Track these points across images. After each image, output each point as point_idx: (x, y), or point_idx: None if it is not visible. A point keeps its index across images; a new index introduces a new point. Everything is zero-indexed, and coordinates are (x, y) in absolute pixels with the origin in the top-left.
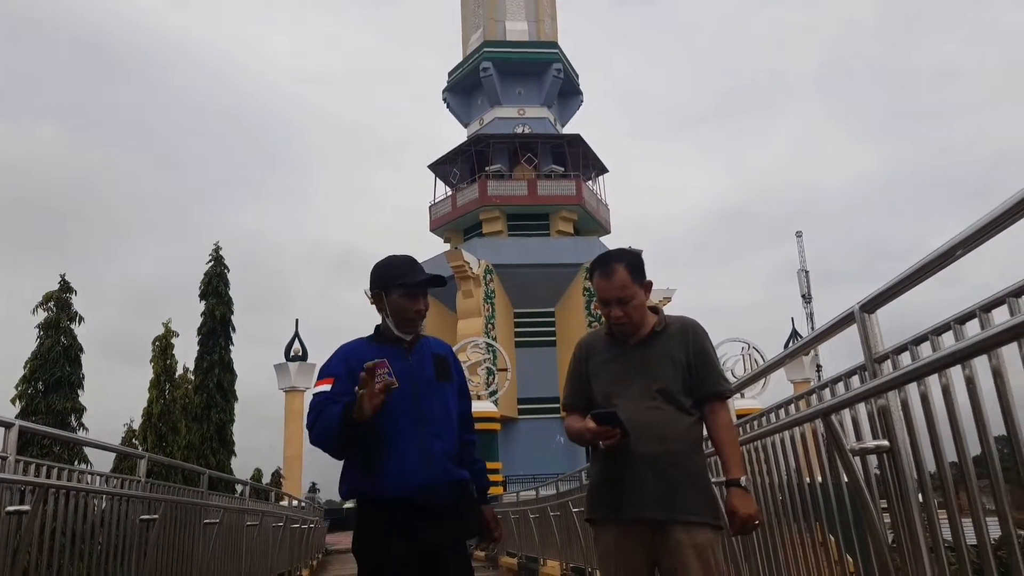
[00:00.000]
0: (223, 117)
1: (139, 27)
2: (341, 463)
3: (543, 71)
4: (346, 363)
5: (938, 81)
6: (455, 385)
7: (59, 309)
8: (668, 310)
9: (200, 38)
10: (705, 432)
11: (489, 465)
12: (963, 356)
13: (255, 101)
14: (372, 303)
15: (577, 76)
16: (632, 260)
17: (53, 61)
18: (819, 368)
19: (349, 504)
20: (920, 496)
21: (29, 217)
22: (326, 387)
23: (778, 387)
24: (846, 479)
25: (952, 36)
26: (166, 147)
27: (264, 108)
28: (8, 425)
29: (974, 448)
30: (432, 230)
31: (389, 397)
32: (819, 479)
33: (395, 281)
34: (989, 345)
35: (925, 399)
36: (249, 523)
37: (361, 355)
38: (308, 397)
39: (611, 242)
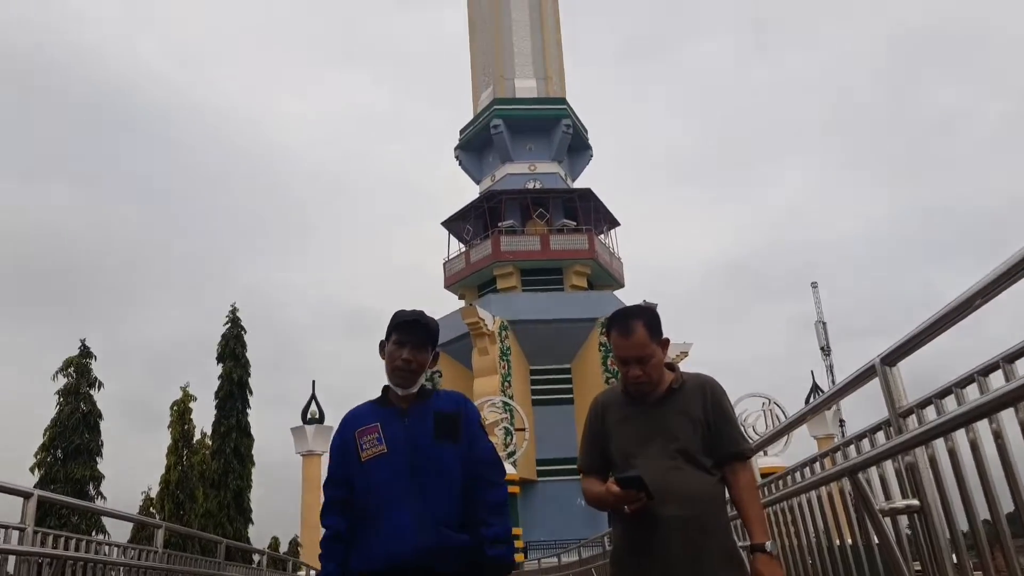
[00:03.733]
0: (235, 176)
1: (153, 88)
2: None
3: (553, 127)
4: (342, 435)
5: (945, 129)
6: (463, 444)
7: (79, 375)
8: (684, 365)
9: (212, 98)
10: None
11: None
12: (990, 409)
13: (268, 159)
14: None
15: (586, 131)
16: (650, 318)
17: (67, 123)
18: (842, 423)
19: None
20: (955, 557)
21: (46, 280)
22: (325, 472)
23: (801, 443)
24: (876, 540)
25: (959, 83)
26: (178, 207)
27: (277, 166)
28: (27, 495)
29: (1007, 504)
30: (447, 287)
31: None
32: (848, 541)
33: (393, 329)
34: (1016, 397)
35: (953, 454)
36: None
37: (359, 422)
38: (325, 461)
39: (625, 295)
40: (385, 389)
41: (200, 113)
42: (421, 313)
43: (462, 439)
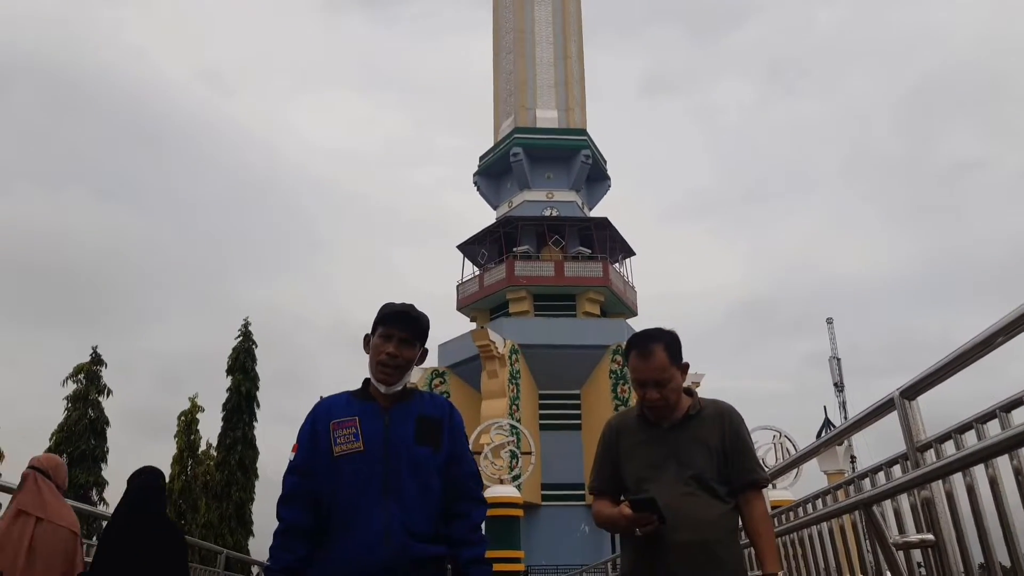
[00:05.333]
0: (253, 192)
1: (174, 101)
2: None
3: (572, 157)
4: (313, 424)
5: (958, 174)
6: (444, 452)
7: (88, 381)
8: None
9: (231, 114)
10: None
11: (511, 554)
12: (1011, 445)
13: (285, 177)
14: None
15: (605, 162)
16: (670, 341)
17: (89, 133)
18: (853, 459)
19: None
20: None
21: (60, 287)
22: (291, 456)
23: (811, 479)
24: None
25: (973, 130)
26: (195, 220)
27: (293, 184)
28: None
29: None
30: (459, 309)
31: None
32: None
33: (379, 321)
34: None
35: (971, 491)
36: None
37: (333, 413)
38: None
39: (638, 324)
40: (366, 382)
41: (221, 131)
42: (411, 306)
43: (443, 447)
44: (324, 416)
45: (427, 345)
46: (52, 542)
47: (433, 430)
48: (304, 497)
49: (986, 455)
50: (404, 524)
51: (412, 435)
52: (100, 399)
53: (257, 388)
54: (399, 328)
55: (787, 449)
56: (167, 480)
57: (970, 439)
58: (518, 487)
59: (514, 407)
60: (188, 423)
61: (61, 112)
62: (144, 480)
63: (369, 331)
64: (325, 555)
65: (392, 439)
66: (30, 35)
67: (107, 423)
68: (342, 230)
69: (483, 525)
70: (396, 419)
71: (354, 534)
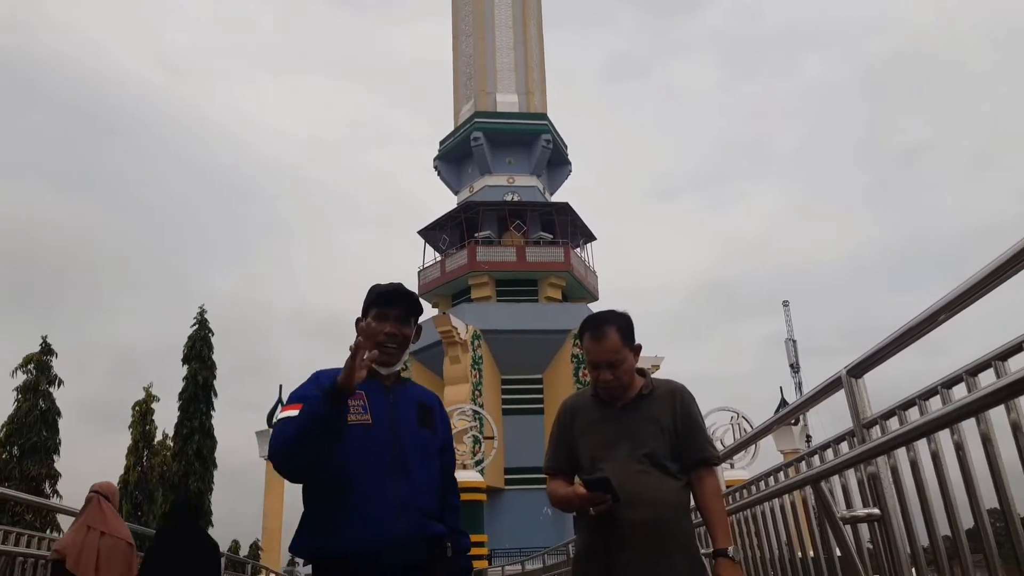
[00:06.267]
0: (209, 180)
1: (130, 89)
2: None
3: (532, 141)
4: (319, 386)
5: (913, 156)
6: (439, 438)
7: (39, 372)
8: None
9: (191, 102)
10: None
11: (474, 538)
12: (951, 419)
13: (241, 164)
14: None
15: (566, 146)
16: (623, 323)
17: (44, 123)
18: (808, 439)
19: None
20: (914, 571)
21: (11, 277)
22: (292, 412)
23: (767, 458)
24: (838, 552)
25: (926, 113)
26: (150, 209)
27: (250, 171)
28: None
29: (967, 519)
30: (420, 295)
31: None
32: (811, 553)
33: (371, 303)
34: (976, 408)
35: (915, 466)
36: None
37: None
38: None
39: (599, 308)
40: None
41: (179, 120)
42: (401, 284)
43: (438, 433)
44: (328, 381)
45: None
46: (114, 551)
47: (430, 416)
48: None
49: (928, 430)
50: (415, 501)
51: (415, 416)
52: (51, 390)
53: (214, 377)
54: (394, 307)
55: (744, 429)
56: (124, 471)
57: (913, 415)
58: (481, 472)
59: (477, 392)
60: (143, 413)
61: (13, 102)
62: (180, 502)
63: (359, 316)
64: (334, 529)
65: (397, 418)
66: None
67: (59, 414)
68: (301, 217)
69: None
70: (398, 400)
71: (367, 508)
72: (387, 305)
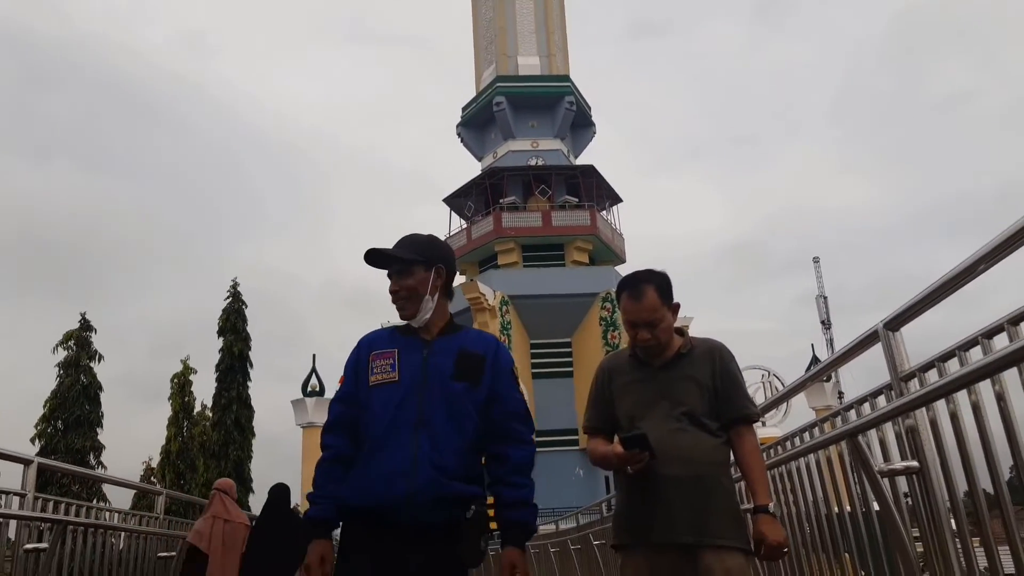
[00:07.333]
0: (239, 153)
1: (156, 65)
2: None
3: (555, 104)
4: (357, 355)
5: (949, 107)
6: (483, 389)
7: (79, 347)
8: None
9: (216, 75)
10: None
11: None
12: (992, 370)
13: (271, 137)
14: None
15: (589, 108)
16: (661, 281)
17: (75, 104)
18: (841, 395)
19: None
20: (953, 523)
21: (49, 255)
22: (339, 387)
23: (799, 416)
24: (876, 506)
25: (964, 62)
26: (182, 183)
27: (279, 144)
28: (27, 462)
29: (1008, 470)
30: None
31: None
32: (847, 508)
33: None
34: (1019, 357)
35: (955, 418)
36: None
37: (375, 345)
38: None
39: (626, 270)
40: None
41: (206, 93)
42: (372, 248)
43: (483, 384)
44: (367, 348)
45: (439, 264)
46: (234, 535)
47: (474, 366)
48: (347, 424)
49: (968, 380)
50: (432, 459)
51: (451, 369)
52: (92, 364)
53: (249, 348)
54: (387, 264)
55: (776, 387)
56: (165, 441)
57: (953, 367)
58: None
59: None
60: (181, 385)
61: (39, 84)
62: (277, 491)
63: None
64: (353, 487)
65: (429, 372)
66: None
67: (100, 388)
68: (329, 188)
69: (530, 466)
70: (437, 353)
71: (380, 464)
72: (382, 264)
